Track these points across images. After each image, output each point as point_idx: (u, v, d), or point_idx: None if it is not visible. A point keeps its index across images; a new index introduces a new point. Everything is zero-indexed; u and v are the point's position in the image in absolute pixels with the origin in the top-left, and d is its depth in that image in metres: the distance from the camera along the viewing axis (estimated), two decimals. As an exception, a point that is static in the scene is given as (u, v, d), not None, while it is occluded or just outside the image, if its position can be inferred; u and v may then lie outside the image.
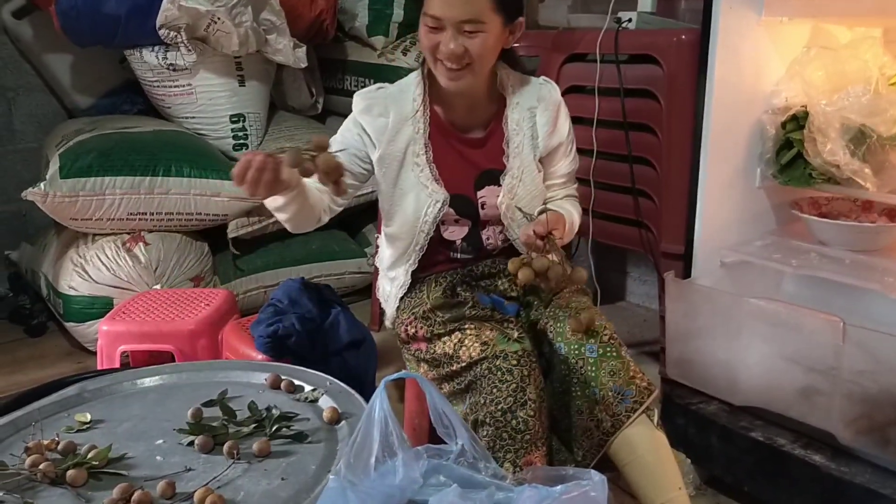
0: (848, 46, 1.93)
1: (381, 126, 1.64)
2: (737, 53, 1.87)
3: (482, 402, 1.48)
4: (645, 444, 1.51)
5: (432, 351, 1.61)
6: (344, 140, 1.66)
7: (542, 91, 1.71)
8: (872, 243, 1.91)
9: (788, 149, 1.90)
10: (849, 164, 1.75)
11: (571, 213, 1.74)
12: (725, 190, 1.96)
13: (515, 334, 1.54)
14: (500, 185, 1.68)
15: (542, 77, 1.76)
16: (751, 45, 1.89)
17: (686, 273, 1.96)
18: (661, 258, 2.14)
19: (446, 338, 1.59)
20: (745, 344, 1.74)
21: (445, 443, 1.24)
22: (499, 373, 1.47)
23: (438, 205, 1.64)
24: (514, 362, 1.47)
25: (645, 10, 2.20)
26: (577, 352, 1.53)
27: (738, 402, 1.79)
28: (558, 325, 1.58)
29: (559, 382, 1.56)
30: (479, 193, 1.68)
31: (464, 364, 1.52)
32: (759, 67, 1.93)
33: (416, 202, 1.65)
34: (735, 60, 1.86)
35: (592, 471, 1.26)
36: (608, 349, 1.52)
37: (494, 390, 1.47)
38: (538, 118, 1.69)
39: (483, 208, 1.69)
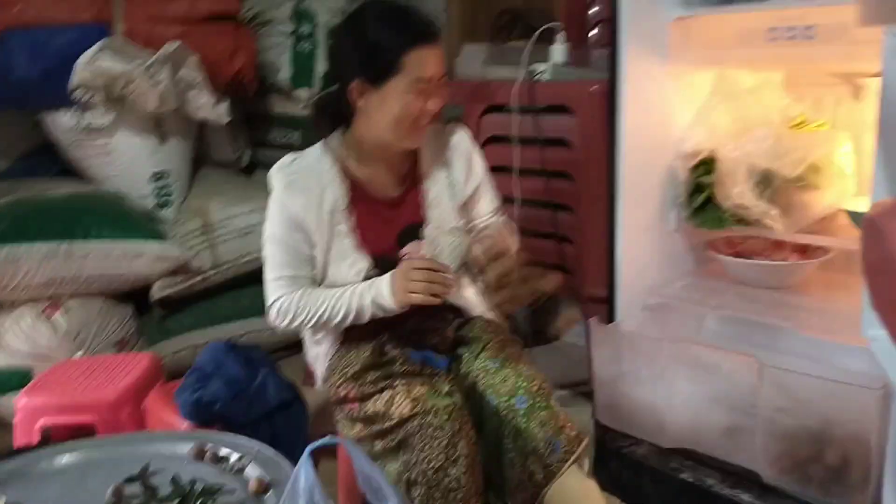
0: (750, 92, 2.01)
1: (306, 202, 1.62)
2: (645, 101, 1.93)
3: (414, 460, 1.46)
4: (577, 494, 1.51)
5: (364, 410, 1.59)
6: (286, 234, 1.64)
7: (452, 140, 1.74)
8: (786, 280, 1.97)
9: (700, 192, 1.96)
10: (757, 206, 1.81)
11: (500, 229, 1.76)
12: (643, 233, 2.01)
13: (446, 388, 1.53)
14: (421, 240, 1.68)
15: (451, 123, 1.79)
16: (658, 92, 1.96)
17: (610, 317, 1.99)
18: (586, 302, 2.17)
19: (377, 396, 1.57)
20: (670, 385, 1.78)
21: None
22: (430, 429, 1.46)
23: (361, 274, 1.63)
24: (445, 417, 1.46)
25: (558, 61, 2.26)
26: (506, 403, 1.53)
27: (667, 443, 1.82)
28: (488, 377, 1.58)
29: (491, 435, 1.55)
30: (403, 251, 1.68)
31: (395, 421, 1.51)
32: (667, 114, 2.00)
33: (336, 272, 1.65)
34: (644, 108, 1.92)
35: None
36: (537, 399, 1.52)
37: (426, 447, 1.45)
38: (454, 167, 1.72)
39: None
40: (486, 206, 1.78)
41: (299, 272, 1.64)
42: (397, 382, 1.56)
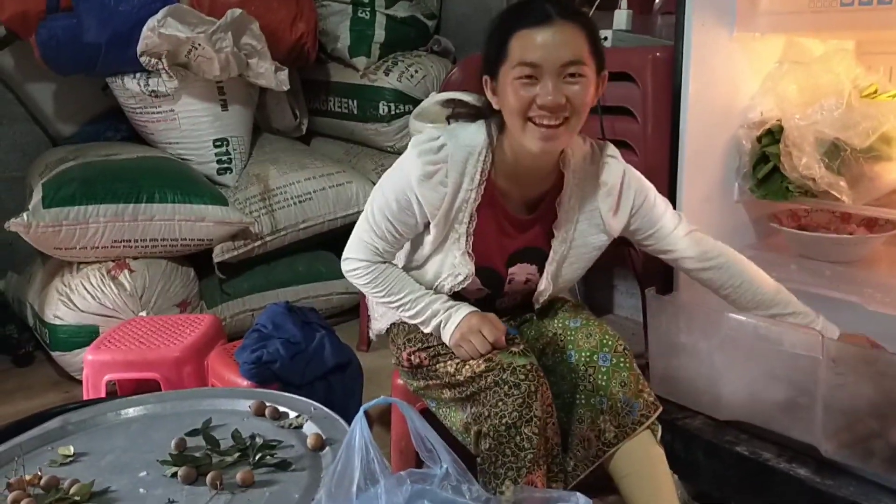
0: (820, 60, 1.95)
1: (439, 197, 1.49)
2: (711, 69, 1.89)
3: (486, 413, 1.44)
4: (645, 458, 1.51)
5: (435, 370, 1.57)
6: (398, 213, 1.53)
7: (604, 172, 1.57)
8: (851, 254, 1.92)
9: (765, 163, 1.92)
10: (824, 177, 1.76)
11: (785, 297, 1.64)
12: (704, 204, 1.97)
13: (521, 349, 1.50)
14: (532, 264, 1.61)
15: (608, 150, 1.61)
16: (724, 60, 1.91)
17: (668, 288, 1.97)
18: (642, 274, 2.15)
19: (448, 356, 1.54)
20: (728, 359, 1.75)
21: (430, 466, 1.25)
22: (505, 386, 1.43)
23: (460, 278, 1.56)
24: (522, 377, 1.43)
25: (620, 27, 2.22)
26: (588, 360, 1.51)
27: (723, 416, 1.80)
28: (569, 333, 1.57)
29: (565, 391, 1.55)
30: (511, 270, 1.62)
31: (467, 376, 1.48)
32: (733, 83, 1.96)
33: (439, 265, 1.58)
34: (709, 76, 1.88)
35: (578, 493, 1.26)
36: (621, 360, 1.51)
37: (500, 403, 1.42)
38: (600, 202, 1.57)
39: (510, 283, 1.64)
40: (650, 222, 1.62)
41: (390, 248, 1.58)
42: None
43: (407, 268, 1.64)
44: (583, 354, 1.52)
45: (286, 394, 1.65)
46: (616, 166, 1.58)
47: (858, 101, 1.81)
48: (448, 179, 1.48)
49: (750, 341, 1.70)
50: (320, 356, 1.90)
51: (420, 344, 1.60)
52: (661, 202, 1.64)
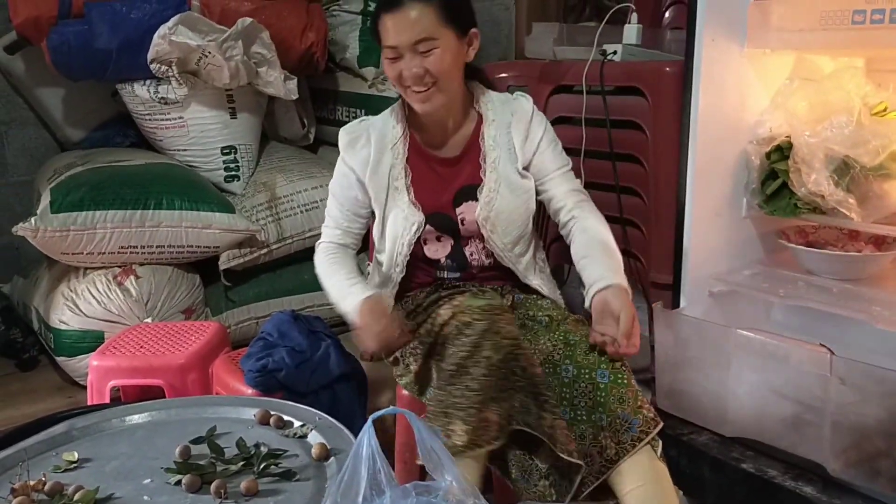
0: (831, 77, 1.95)
1: (364, 158, 1.72)
2: (720, 84, 1.89)
3: (444, 360, 1.50)
4: (647, 474, 1.49)
5: (418, 334, 1.64)
6: (341, 192, 1.77)
7: (514, 105, 1.75)
8: (860, 272, 1.92)
9: (773, 179, 1.92)
10: (833, 194, 1.76)
11: (614, 257, 1.66)
12: (712, 220, 1.97)
13: (487, 294, 1.58)
14: (476, 201, 1.71)
15: (518, 92, 1.81)
16: (734, 76, 1.92)
17: (675, 303, 1.97)
18: (650, 288, 2.15)
19: (428, 319, 1.63)
20: (735, 374, 1.75)
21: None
22: (459, 325, 1.48)
23: (414, 227, 1.70)
24: (477, 316, 1.47)
25: (630, 42, 2.22)
26: (587, 376, 1.51)
27: (729, 433, 1.79)
28: (567, 349, 1.56)
29: (564, 405, 1.53)
30: (458, 210, 1.72)
31: (437, 329, 1.55)
32: (742, 98, 1.96)
33: (393, 226, 1.72)
34: (719, 91, 1.89)
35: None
36: (619, 376, 1.50)
37: (455, 343, 1.48)
38: (513, 131, 1.73)
39: (463, 224, 1.72)
40: (551, 162, 1.75)
41: (345, 225, 1.78)
42: (443, 298, 1.62)
43: (379, 237, 1.78)
44: (582, 371, 1.52)
45: (291, 403, 1.65)
46: (526, 103, 1.77)
47: (868, 118, 1.81)
48: (371, 141, 1.73)
49: (757, 357, 1.70)
50: (326, 365, 1.90)
51: (408, 318, 1.68)
52: (565, 159, 1.78)
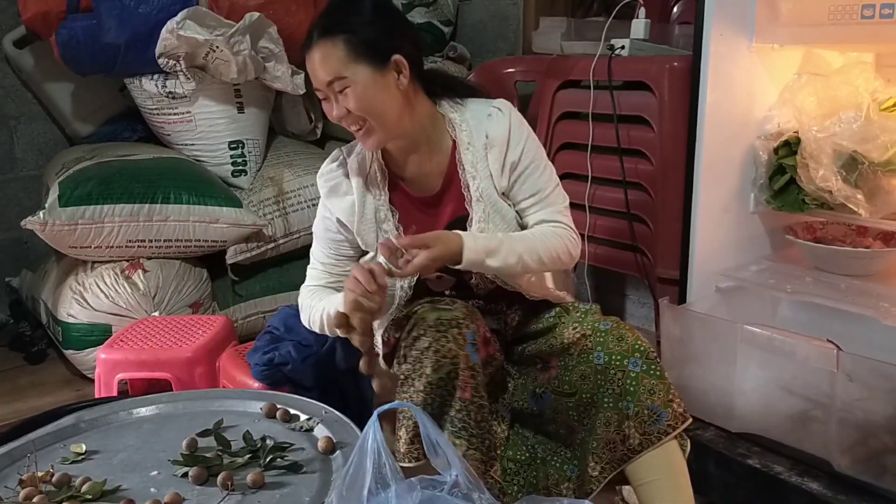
0: (839, 72, 1.94)
1: (349, 205, 1.61)
2: (728, 80, 1.88)
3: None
4: (666, 468, 1.47)
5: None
6: (325, 235, 1.67)
7: (490, 126, 1.58)
8: (867, 268, 1.91)
9: (781, 174, 1.92)
10: (841, 190, 1.76)
11: (507, 240, 1.53)
12: (720, 215, 1.97)
13: (446, 304, 1.50)
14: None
15: (495, 103, 1.61)
16: (742, 71, 1.91)
17: (681, 298, 1.97)
18: (656, 283, 2.15)
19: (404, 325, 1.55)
20: (741, 370, 1.75)
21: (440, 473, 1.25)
22: (413, 338, 1.46)
23: None
24: (422, 332, 1.44)
25: (638, 37, 2.22)
26: (619, 363, 1.47)
27: (735, 428, 1.79)
28: (598, 336, 1.52)
29: (589, 393, 1.51)
30: None
31: (404, 336, 1.50)
32: (750, 93, 1.95)
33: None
34: (727, 87, 1.88)
35: (586, 502, 1.25)
36: (652, 366, 1.47)
37: (407, 358, 1.46)
38: (489, 157, 1.58)
39: None
40: (523, 191, 1.61)
41: (331, 267, 1.68)
42: (418, 305, 1.53)
43: None
44: (613, 357, 1.48)
45: (297, 396, 1.66)
46: (499, 124, 1.58)
47: (877, 114, 1.80)
48: (352, 187, 1.61)
49: (763, 353, 1.69)
50: (332, 359, 1.90)
51: (394, 326, 1.58)
52: (545, 182, 1.61)
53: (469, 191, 1.58)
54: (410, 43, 1.55)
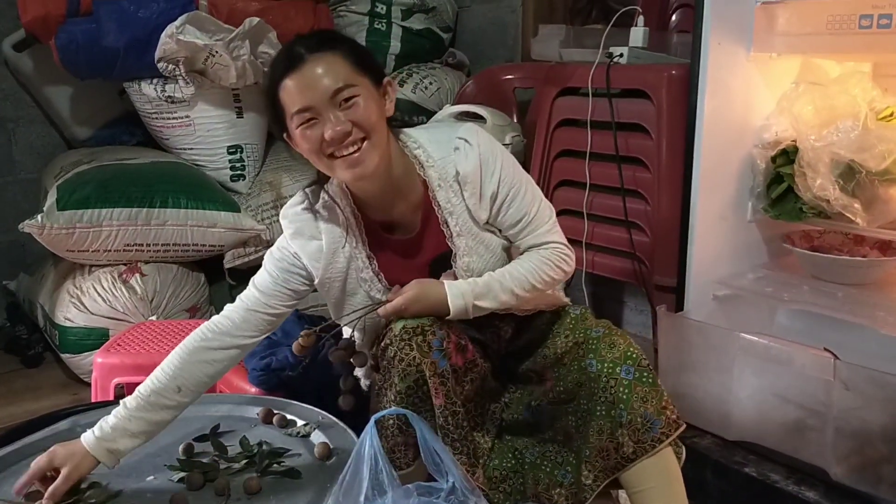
0: (837, 81, 1.95)
1: (316, 249, 1.51)
2: (726, 88, 1.89)
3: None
4: (661, 476, 1.46)
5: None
6: (277, 268, 1.53)
7: (459, 162, 1.50)
8: (864, 277, 1.92)
9: (779, 183, 1.92)
10: (839, 199, 1.76)
11: (495, 280, 1.50)
12: (717, 223, 1.97)
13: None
14: (454, 268, 1.56)
15: (458, 136, 1.52)
16: (740, 80, 1.92)
17: (679, 306, 1.97)
18: (654, 291, 2.15)
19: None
20: (738, 378, 1.75)
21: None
22: (383, 347, 1.45)
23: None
24: (389, 341, 1.43)
25: (636, 45, 2.22)
26: (611, 371, 1.46)
27: (732, 436, 1.79)
28: (590, 343, 1.51)
29: (585, 400, 1.50)
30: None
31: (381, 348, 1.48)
32: (748, 102, 1.96)
33: (374, 317, 1.53)
34: (724, 95, 1.89)
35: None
36: (645, 374, 1.46)
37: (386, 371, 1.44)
38: (465, 194, 1.51)
39: None
40: (511, 220, 1.54)
41: (267, 298, 1.53)
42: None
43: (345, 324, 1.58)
44: (605, 365, 1.48)
45: (294, 402, 1.66)
46: (466, 156, 1.49)
47: (874, 123, 1.81)
48: (319, 232, 1.50)
49: (760, 361, 1.70)
50: (329, 365, 1.90)
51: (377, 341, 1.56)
52: (528, 205, 1.54)
53: (448, 227, 1.52)
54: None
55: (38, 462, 1.34)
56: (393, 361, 1.41)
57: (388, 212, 1.53)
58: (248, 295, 1.53)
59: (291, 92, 1.37)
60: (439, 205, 1.51)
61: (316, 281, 1.52)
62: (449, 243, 1.53)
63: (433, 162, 1.51)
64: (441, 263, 1.55)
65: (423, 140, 1.54)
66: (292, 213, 1.53)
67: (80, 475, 1.34)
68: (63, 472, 1.33)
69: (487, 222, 1.54)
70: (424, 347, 1.41)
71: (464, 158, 1.49)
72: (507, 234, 1.56)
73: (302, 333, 1.50)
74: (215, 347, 1.48)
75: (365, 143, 1.39)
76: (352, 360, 1.56)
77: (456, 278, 1.52)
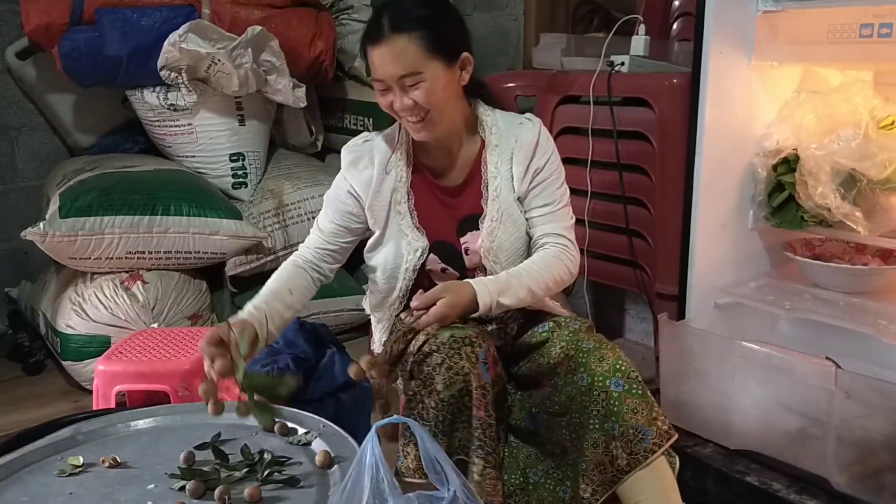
0: (838, 90, 1.95)
1: (367, 179, 1.66)
2: (727, 97, 1.90)
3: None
4: (656, 486, 1.47)
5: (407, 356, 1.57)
6: (335, 203, 1.71)
7: (520, 132, 1.65)
8: (866, 285, 1.92)
9: (780, 191, 1.92)
10: (840, 207, 1.76)
11: (513, 277, 1.56)
12: (719, 231, 1.97)
13: (459, 324, 1.51)
14: (479, 230, 1.65)
15: (526, 115, 1.71)
16: (741, 88, 1.92)
17: (680, 314, 1.97)
18: (655, 299, 2.15)
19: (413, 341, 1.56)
20: (739, 387, 1.75)
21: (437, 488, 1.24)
22: (423, 354, 1.47)
23: (418, 253, 1.64)
24: (435, 348, 1.45)
25: (637, 53, 2.23)
26: (601, 384, 1.49)
27: (734, 445, 1.79)
28: (580, 355, 1.53)
29: (577, 414, 1.52)
30: (462, 240, 1.67)
31: (414, 352, 1.50)
32: (749, 110, 1.96)
33: (395, 250, 1.66)
34: (726, 103, 1.89)
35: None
36: (634, 386, 1.48)
37: (416, 375, 1.48)
38: (514, 160, 1.64)
39: (467, 254, 1.67)
40: (537, 201, 1.66)
41: (331, 236, 1.71)
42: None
43: (373, 257, 1.72)
44: (596, 378, 1.49)
45: (295, 409, 1.65)
46: (530, 131, 1.66)
47: (875, 132, 1.81)
48: (374, 162, 1.66)
49: (762, 370, 1.69)
50: (330, 373, 1.90)
51: (402, 338, 1.58)
52: (558, 196, 1.68)
53: (487, 189, 1.65)
54: (469, 40, 1.63)
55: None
56: (439, 369, 1.43)
57: (440, 160, 1.68)
58: (312, 240, 1.73)
59: (372, 61, 1.53)
60: (487, 166, 1.65)
61: (366, 208, 1.67)
62: (483, 204, 1.65)
63: (497, 130, 1.66)
64: (470, 223, 1.67)
65: (496, 112, 1.70)
66: (352, 143, 1.71)
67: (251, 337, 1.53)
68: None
69: (520, 199, 1.66)
70: (472, 358, 1.45)
71: (526, 130, 1.66)
72: (531, 216, 1.67)
73: (364, 360, 1.49)
74: (306, 269, 1.70)
75: (428, 116, 1.54)
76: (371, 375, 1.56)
77: (478, 243, 1.63)
